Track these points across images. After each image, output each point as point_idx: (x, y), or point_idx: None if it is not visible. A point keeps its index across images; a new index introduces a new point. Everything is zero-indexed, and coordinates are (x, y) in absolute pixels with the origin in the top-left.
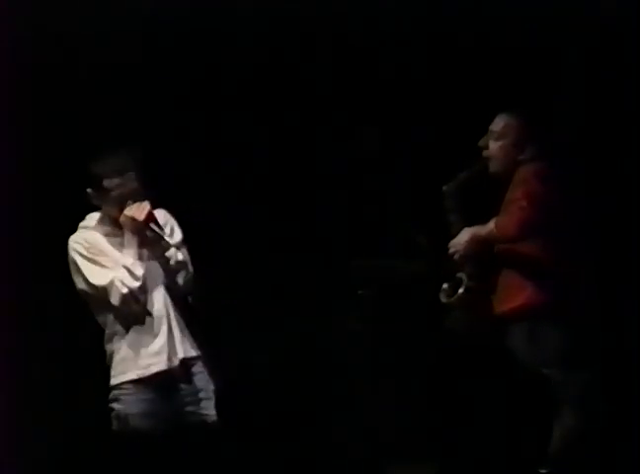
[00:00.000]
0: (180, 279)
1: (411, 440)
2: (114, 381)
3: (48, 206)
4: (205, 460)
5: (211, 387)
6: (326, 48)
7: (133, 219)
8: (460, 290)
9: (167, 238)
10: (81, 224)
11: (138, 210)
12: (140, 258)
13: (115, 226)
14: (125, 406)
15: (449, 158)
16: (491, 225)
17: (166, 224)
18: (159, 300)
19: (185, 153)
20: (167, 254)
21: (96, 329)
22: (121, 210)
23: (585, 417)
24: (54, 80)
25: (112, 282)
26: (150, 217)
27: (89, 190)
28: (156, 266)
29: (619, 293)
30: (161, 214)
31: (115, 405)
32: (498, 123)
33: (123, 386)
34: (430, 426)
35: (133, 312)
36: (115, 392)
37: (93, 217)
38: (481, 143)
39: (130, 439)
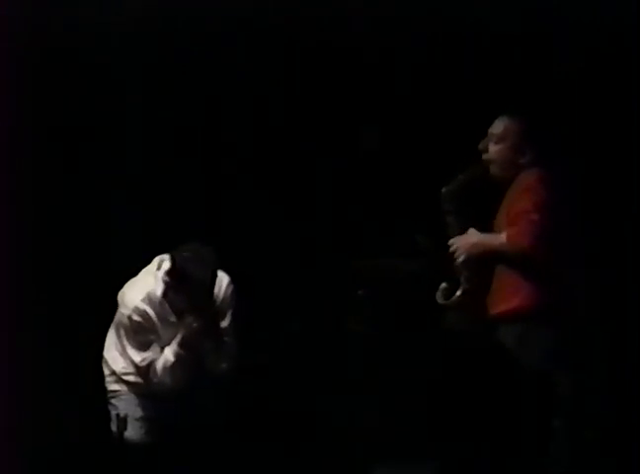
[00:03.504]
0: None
1: (411, 440)
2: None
3: (48, 205)
4: (205, 462)
5: (211, 388)
6: (326, 48)
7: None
8: (458, 293)
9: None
10: (147, 284)
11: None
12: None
13: (172, 308)
14: (123, 410)
15: (449, 160)
16: (502, 238)
17: (225, 309)
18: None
19: (180, 149)
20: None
21: (95, 329)
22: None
23: (581, 420)
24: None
25: (148, 366)
26: (212, 330)
27: (167, 277)
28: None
29: (616, 297)
30: (224, 284)
31: (112, 408)
32: (498, 126)
33: (119, 391)
34: (429, 426)
35: None
36: (111, 396)
37: (157, 289)
38: (481, 146)
39: (130, 442)
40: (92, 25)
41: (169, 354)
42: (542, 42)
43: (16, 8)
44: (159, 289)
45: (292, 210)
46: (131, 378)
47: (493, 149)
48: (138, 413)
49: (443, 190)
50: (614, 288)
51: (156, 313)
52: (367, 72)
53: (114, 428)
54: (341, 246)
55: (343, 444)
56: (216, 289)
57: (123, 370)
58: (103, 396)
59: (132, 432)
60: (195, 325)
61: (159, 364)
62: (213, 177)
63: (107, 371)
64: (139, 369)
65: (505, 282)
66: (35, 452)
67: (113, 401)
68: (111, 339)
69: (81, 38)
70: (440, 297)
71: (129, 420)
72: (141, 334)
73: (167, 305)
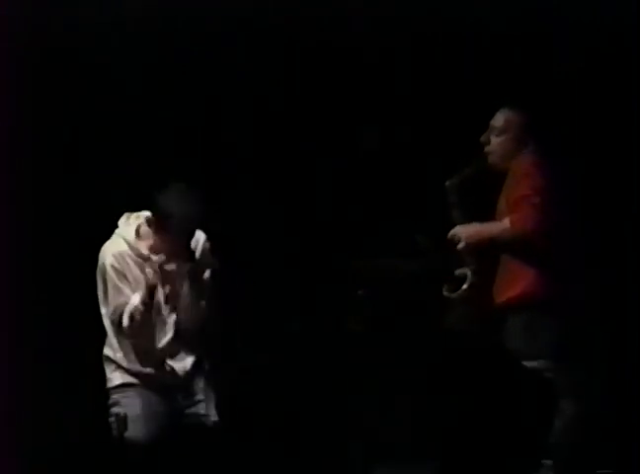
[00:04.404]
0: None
1: (411, 440)
2: (111, 383)
3: (48, 205)
4: (206, 462)
5: (211, 388)
6: (326, 48)
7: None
8: (464, 286)
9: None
10: (118, 232)
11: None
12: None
13: (150, 250)
14: (124, 408)
15: (451, 154)
16: (504, 224)
17: (202, 265)
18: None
19: (184, 149)
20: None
21: (95, 329)
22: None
23: (583, 410)
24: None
25: (122, 308)
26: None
27: (149, 216)
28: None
29: (616, 297)
30: (201, 240)
31: (114, 407)
32: (499, 119)
33: (122, 388)
34: (429, 426)
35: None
36: (114, 394)
37: (129, 230)
38: (483, 139)
39: (130, 441)
40: (92, 25)
41: (135, 296)
42: (542, 42)
43: (16, 8)
44: (132, 230)
45: (292, 210)
46: (134, 370)
47: (495, 141)
48: (139, 410)
49: (447, 183)
50: (614, 288)
51: (131, 257)
52: (367, 72)
53: (114, 427)
54: (341, 246)
55: (343, 444)
56: (193, 244)
57: (125, 363)
58: (103, 396)
59: (132, 431)
60: (167, 267)
61: (126, 309)
62: (213, 177)
63: (108, 367)
64: (112, 322)
65: (509, 270)
66: (35, 452)
67: (114, 397)
68: (111, 333)
69: (81, 38)
70: (446, 290)
71: (130, 419)
72: (116, 283)
73: (142, 245)
